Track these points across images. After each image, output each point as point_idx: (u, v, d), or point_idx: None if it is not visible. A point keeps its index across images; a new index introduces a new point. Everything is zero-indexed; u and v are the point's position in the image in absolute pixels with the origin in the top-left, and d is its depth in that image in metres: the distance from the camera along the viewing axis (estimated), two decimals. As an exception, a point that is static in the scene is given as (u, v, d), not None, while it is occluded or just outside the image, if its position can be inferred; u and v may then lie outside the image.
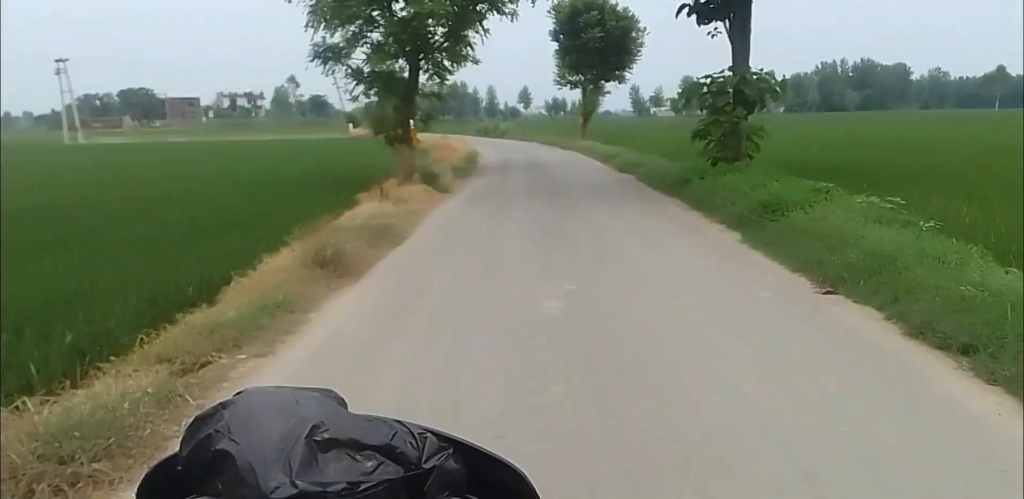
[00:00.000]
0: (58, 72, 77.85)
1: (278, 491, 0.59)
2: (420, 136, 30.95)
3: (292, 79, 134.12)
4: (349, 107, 21.79)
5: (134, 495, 0.74)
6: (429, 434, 0.68)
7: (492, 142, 45.95)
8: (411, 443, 0.66)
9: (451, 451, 0.68)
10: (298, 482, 0.60)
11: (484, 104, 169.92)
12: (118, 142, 66.66)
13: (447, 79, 22.33)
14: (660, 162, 19.25)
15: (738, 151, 14.55)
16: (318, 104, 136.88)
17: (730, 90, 14.42)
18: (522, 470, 0.71)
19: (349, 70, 21.46)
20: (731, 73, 14.56)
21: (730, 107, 14.34)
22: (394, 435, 0.66)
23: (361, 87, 21.69)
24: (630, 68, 38.88)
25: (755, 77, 14.39)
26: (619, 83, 40.72)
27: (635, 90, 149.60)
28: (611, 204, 13.27)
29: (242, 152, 36.55)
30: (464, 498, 0.68)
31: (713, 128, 14.35)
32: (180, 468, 0.67)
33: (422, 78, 22.08)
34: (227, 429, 0.64)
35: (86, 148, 55.13)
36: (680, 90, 15.16)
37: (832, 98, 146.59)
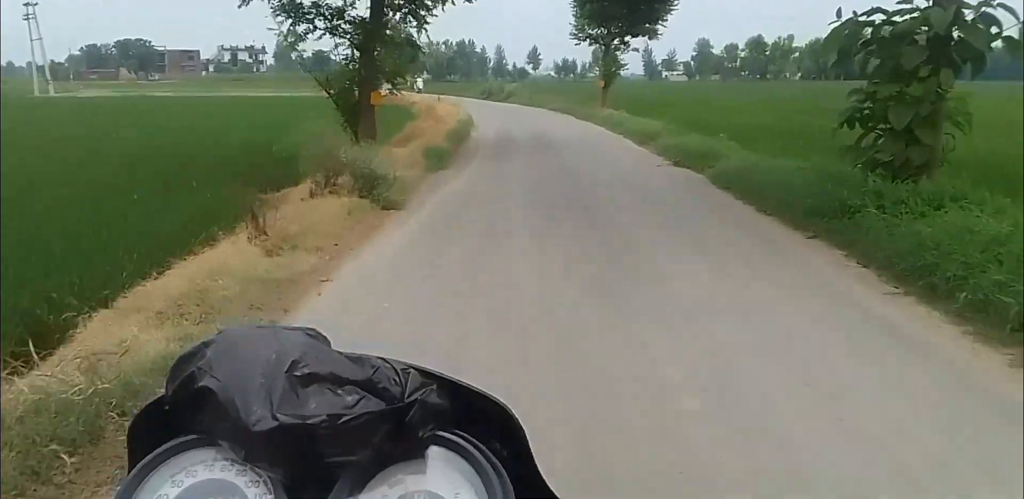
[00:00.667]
0: (26, 17, 69.83)
1: (259, 424, 0.59)
2: (412, 97, 24.31)
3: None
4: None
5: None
6: (412, 370, 0.66)
7: (495, 107, 38.87)
8: (393, 379, 0.64)
9: (434, 386, 0.66)
10: (279, 415, 0.59)
11: (492, 64, 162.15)
12: (94, 96, 58.80)
13: (426, 22, 15.51)
14: (741, 154, 12.48)
15: (932, 152, 7.81)
16: (321, 59, 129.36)
17: (920, 36, 7.65)
18: (506, 404, 0.67)
19: (281, 3, 14.77)
20: (930, 3, 7.69)
21: (925, 70, 7.56)
22: (376, 371, 0.64)
23: (301, 28, 15.09)
24: (663, 20, 31.79)
25: (980, 12, 7.52)
26: (649, 39, 33.71)
27: (648, 52, 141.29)
28: (708, 258, 6.48)
29: (213, 111, 29.75)
30: (450, 432, 0.65)
31: (898, 109, 7.54)
32: (167, 408, 0.66)
33: (393, 20, 15.43)
34: (209, 366, 0.64)
35: (42, 103, 47.53)
36: (825, 39, 8.31)
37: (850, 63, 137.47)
